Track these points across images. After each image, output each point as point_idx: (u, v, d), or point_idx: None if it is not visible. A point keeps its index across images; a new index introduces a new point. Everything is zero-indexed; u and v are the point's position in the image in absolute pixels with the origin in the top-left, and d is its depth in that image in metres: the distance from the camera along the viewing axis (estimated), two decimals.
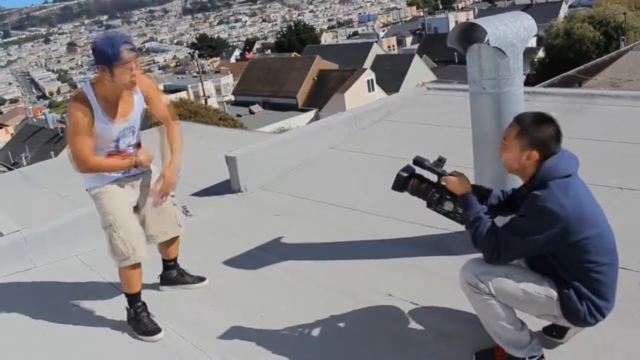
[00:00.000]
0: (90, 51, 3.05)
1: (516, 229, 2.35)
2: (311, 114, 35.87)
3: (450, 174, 2.59)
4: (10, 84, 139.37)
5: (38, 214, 5.68)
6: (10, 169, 23.83)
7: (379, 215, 4.41)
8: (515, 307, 2.45)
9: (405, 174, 2.67)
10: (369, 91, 36.16)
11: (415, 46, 54.42)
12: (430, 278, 3.43)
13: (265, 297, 3.59)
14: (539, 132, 2.35)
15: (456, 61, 38.46)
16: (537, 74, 29.62)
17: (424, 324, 3.03)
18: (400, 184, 2.67)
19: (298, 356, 2.94)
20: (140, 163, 3.26)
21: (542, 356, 2.53)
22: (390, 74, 37.17)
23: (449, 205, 2.59)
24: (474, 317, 2.60)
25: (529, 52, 35.36)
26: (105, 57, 2.89)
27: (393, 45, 66.19)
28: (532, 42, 41.29)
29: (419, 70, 38.81)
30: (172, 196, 3.54)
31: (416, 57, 41.82)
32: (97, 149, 3.16)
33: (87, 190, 3.30)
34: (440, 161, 2.62)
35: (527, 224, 2.32)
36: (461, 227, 2.65)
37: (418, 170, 2.67)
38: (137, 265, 3.31)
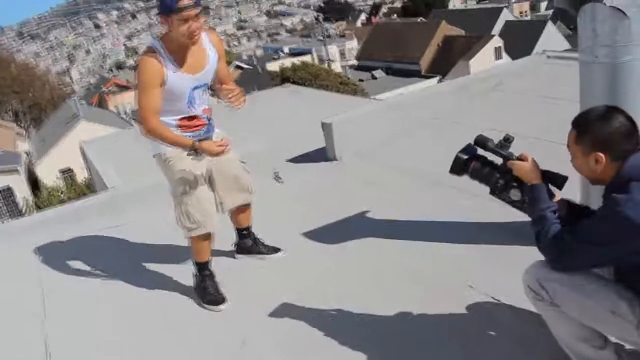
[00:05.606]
0: None
1: (586, 234, 1.94)
2: (434, 80, 34.81)
3: (519, 158, 2.23)
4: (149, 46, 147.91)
5: (142, 172, 5.81)
6: None
7: (473, 195, 4.02)
8: (585, 323, 2.04)
9: (465, 156, 2.33)
10: (496, 59, 34.51)
11: (550, 12, 50.99)
12: (517, 270, 3.05)
13: (339, 276, 3.39)
14: (600, 129, 1.94)
15: None
16: None
17: (503, 325, 2.69)
18: (459, 167, 2.34)
19: (361, 341, 2.71)
20: (201, 148, 3.04)
21: None
22: (520, 42, 35.12)
23: (515, 194, 2.23)
24: None
25: None
26: (164, 5, 2.81)
27: (526, 11, 62.51)
28: None
29: (552, 37, 36.42)
30: (243, 162, 3.42)
31: (549, 23, 39.25)
32: (170, 112, 3.02)
33: (154, 156, 3.20)
34: (507, 141, 2.25)
35: (599, 230, 1.91)
36: None
37: (480, 151, 2.33)
38: (209, 235, 3.22)
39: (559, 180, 2.20)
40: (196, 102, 3.11)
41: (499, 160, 2.31)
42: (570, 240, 1.97)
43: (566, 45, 33.40)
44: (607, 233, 1.88)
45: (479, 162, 2.33)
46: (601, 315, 1.97)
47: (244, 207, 3.53)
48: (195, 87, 3.06)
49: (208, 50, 3.08)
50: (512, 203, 2.27)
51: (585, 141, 1.97)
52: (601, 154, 1.93)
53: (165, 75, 2.91)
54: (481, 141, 2.30)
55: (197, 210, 3.12)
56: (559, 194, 2.24)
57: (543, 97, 5.78)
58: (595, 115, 1.99)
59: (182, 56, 2.96)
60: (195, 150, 3.04)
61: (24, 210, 25.58)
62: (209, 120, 3.24)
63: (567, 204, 2.22)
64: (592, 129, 1.96)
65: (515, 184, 2.24)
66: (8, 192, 27.05)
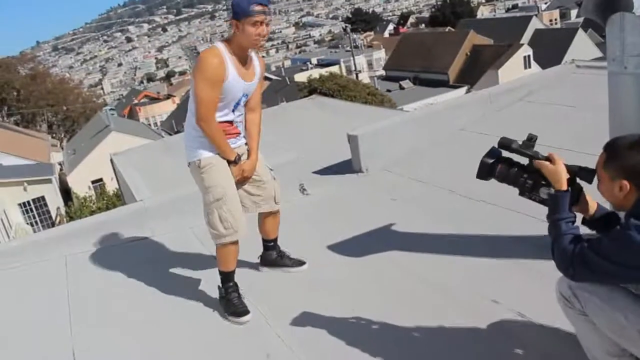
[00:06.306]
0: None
1: (599, 249, 1.90)
2: (462, 90, 34.55)
3: (546, 158, 2.17)
4: (180, 57, 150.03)
5: (170, 183, 5.88)
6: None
7: (502, 208, 3.97)
8: (612, 337, 1.99)
9: (490, 160, 2.30)
10: (525, 68, 34.14)
11: (581, 19, 50.33)
12: (545, 286, 2.99)
13: (362, 290, 3.37)
14: (630, 157, 1.90)
15: None
16: None
17: (527, 342, 2.63)
18: (486, 171, 2.30)
19: (385, 355, 2.68)
20: (236, 166, 3.24)
21: None
22: (550, 50, 34.67)
23: (545, 192, 2.17)
24: None
25: None
26: (239, 9, 3.00)
27: (555, 19, 61.77)
28: None
29: (583, 46, 35.91)
30: (271, 170, 3.48)
31: (580, 31, 38.65)
32: (217, 114, 3.14)
33: (190, 163, 3.24)
34: (531, 140, 2.21)
35: (609, 248, 1.87)
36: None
37: (505, 153, 2.30)
38: (237, 243, 3.26)
39: (588, 174, 2.14)
40: (238, 109, 3.25)
41: (524, 161, 2.28)
42: (582, 252, 1.93)
43: (598, 53, 32.86)
44: (614, 253, 1.86)
45: (505, 165, 2.29)
46: (628, 332, 1.93)
47: (273, 218, 3.57)
48: (243, 95, 3.21)
49: (256, 66, 3.25)
50: (543, 202, 2.22)
51: (612, 167, 1.95)
52: (626, 182, 1.90)
53: (226, 75, 3.04)
54: (505, 143, 2.27)
55: (231, 217, 3.17)
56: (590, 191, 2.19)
57: (572, 107, 5.69)
58: (626, 143, 1.95)
59: (240, 61, 3.13)
60: (232, 163, 3.21)
61: (56, 220, 26.09)
62: (239, 129, 3.35)
63: (597, 209, 2.19)
64: (620, 155, 1.93)
65: (544, 182, 2.19)
66: (42, 202, 27.63)
